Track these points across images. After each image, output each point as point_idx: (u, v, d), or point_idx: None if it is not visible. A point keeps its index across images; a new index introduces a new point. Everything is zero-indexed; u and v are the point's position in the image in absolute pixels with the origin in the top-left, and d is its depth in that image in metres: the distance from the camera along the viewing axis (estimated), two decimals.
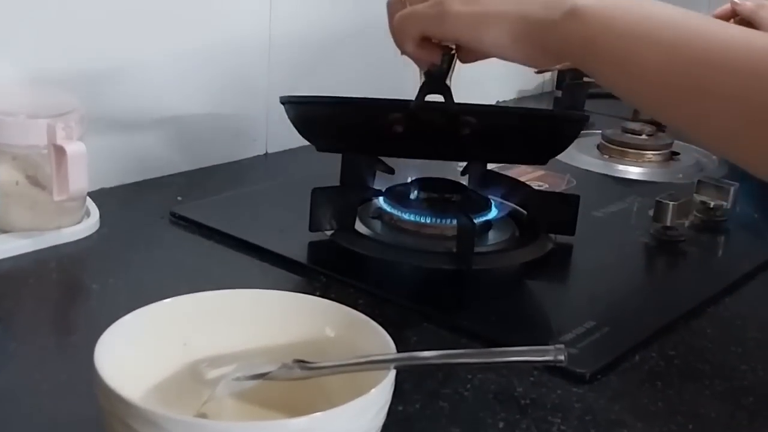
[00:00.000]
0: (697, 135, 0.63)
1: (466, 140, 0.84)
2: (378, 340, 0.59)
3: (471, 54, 0.76)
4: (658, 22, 0.62)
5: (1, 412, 0.64)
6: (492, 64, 1.59)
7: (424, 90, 0.81)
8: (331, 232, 0.92)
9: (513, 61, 0.70)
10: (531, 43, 0.67)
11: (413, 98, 0.82)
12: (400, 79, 1.33)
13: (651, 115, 0.68)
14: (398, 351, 0.57)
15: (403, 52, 0.77)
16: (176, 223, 0.96)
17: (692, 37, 0.60)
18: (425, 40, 0.75)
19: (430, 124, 0.82)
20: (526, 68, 1.38)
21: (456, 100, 1.11)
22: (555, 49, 0.66)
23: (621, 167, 1.23)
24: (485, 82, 1.50)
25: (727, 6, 1.02)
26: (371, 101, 0.88)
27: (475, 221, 0.90)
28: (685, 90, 0.60)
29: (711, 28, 0.61)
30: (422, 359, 0.58)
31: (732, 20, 1.01)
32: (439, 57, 0.77)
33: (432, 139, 0.85)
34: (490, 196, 0.97)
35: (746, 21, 0.99)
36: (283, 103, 0.92)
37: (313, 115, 0.91)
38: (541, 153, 0.93)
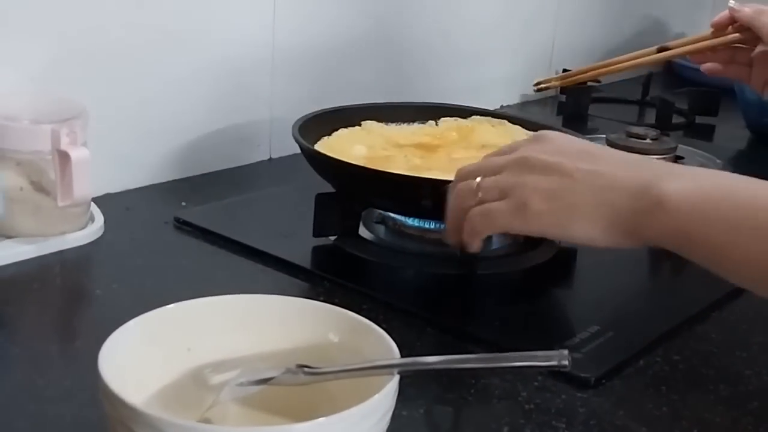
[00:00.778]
0: None
1: None
2: (382, 346, 0.59)
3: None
4: (749, 207, 0.62)
5: (5, 417, 0.64)
6: (495, 68, 1.60)
7: None
8: (335, 237, 0.92)
9: (599, 247, 0.68)
10: (621, 232, 0.65)
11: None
12: (402, 86, 1.34)
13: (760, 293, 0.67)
14: (402, 356, 0.57)
15: (463, 243, 0.74)
16: (180, 229, 0.96)
17: None
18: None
19: None
20: (530, 74, 1.38)
21: (459, 105, 1.12)
22: (646, 237, 0.65)
23: None
24: (489, 87, 1.50)
25: (725, 12, 1.01)
26: (404, 178, 0.88)
27: None
28: None
29: None
30: (426, 364, 0.58)
31: (730, 27, 1.00)
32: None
33: None
34: None
35: (745, 27, 0.99)
36: (307, 157, 0.92)
37: (336, 173, 0.92)
38: None
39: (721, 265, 0.63)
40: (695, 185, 0.63)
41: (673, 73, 1.80)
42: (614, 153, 0.70)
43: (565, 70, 1.57)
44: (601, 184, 0.66)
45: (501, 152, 0.73)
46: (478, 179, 0.71)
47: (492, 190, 0.70)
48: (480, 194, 0.70)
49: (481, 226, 0.71)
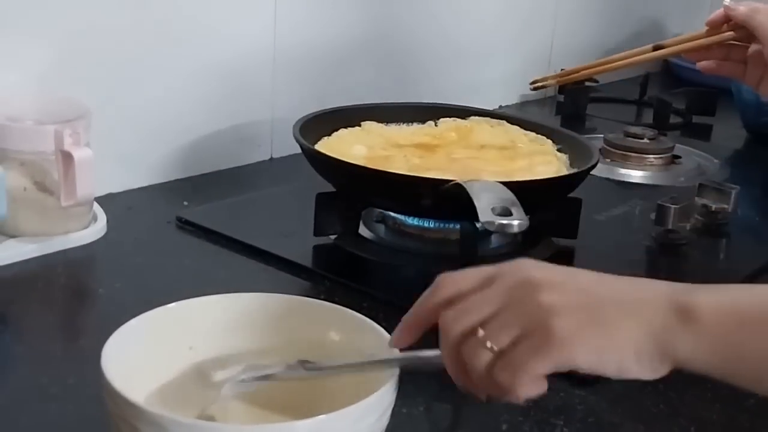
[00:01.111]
0: None
1: None
2: (382, 344, 0.59)
3: None
4: None
5: (10, 415, 0.65)
6: (494, 68, 1.60)
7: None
8: (335, 236, 0.93)
9: (629, 377, 0.56)
10: (653, 353, 0.55)
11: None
12: (401, 86, 1.35)
13: None
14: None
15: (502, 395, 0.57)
16: (182, 228, 0.96)
17: None
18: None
19: (460, 199, 0.81)
20: (528, 74, 1.39)
21: (458, 105, 1.13)
22: (679, 357, 0.55)
23: (623, 171, 1.24)
24: (487, 88, 1.51)
25: (720, 11, 1.01)
26: (403, 177, 0.88)
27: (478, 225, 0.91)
28: None
29: None
30: (425, 358, 0.58)
31: (725, 25, 1.00)
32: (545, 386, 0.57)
33: (458, 210, 0.84)
34: None
35: (740, 25, 0.99)
36: (308, 157, 0.93)
37: (336, 173, 0.92)
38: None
39: (762, 381, 0.55)
40: (723, 296, 0.56)
41: (670, 74, 1.81)
42: (606, 275, 0.59)
43: (562, 70, 1.57)
44: (622, 299, 0.56)
45: (477, 283, 0.58)
46: (480, 332, 0.56)
47: (502, 332, 0.55)
48: (490, 345, 0.55)
49: (511, 381, 0.55)
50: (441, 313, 0.57)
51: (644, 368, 0.55)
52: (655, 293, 0.56)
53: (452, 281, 0.59)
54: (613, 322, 0.55)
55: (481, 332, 0.55)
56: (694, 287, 0.56)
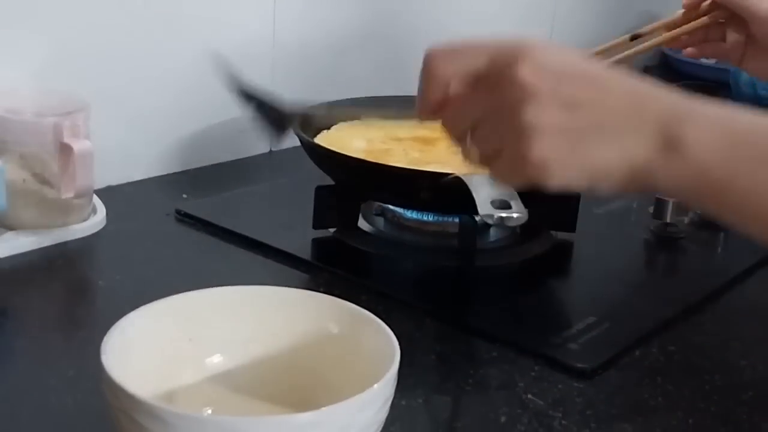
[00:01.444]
0: None
1: None
2: (381, 336, 0.59)
3: None
4: None
5: (10, 406, 0.65)
6: None
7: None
8: (335, 229, 0.93)
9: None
10: (639, 185, 0.56)
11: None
12: (401, 79, 1.34)
13: None
14: (402, 348, 0.58)
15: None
16: (182, 221, 0.96)
17: None
18: None
19: (459, 192, 0.81)
20: None
21: None
22: (660, 186, 0.56)
23: None
24: None
25: None
26: (403, 171, 0.88)
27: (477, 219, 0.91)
28: None
29: None
30: None
31: (703, 4, 0.98)
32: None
33: (457, 203, 0.84)
34: None
35: (716, 5, 0.96)
36: (307, 150, 0.93)
37: (335, 166, 0.92)
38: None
39: (742, 213, 0.56)
40: (721, 121, 0.56)
41: (669, 67, 1.81)
42: (614, 78, 0.57)
43: None
44: (610, 123, 0.55)
45: (467, 74, 0.59)
46: (468, 140, 0.60)
47: (486, 142, 0.59)
48: (480, 152, 0.60)
49: (500, 181, 0.62)
50: (438, 115, 0.62)
51: (613, 189, 0.56)
52: (647, 116, 0.56)
53: (442, 72, 0.60)
54: (592, 152, 0.55)
55: (468, 140, 0.60)
56: (694, 110, 0.56)
